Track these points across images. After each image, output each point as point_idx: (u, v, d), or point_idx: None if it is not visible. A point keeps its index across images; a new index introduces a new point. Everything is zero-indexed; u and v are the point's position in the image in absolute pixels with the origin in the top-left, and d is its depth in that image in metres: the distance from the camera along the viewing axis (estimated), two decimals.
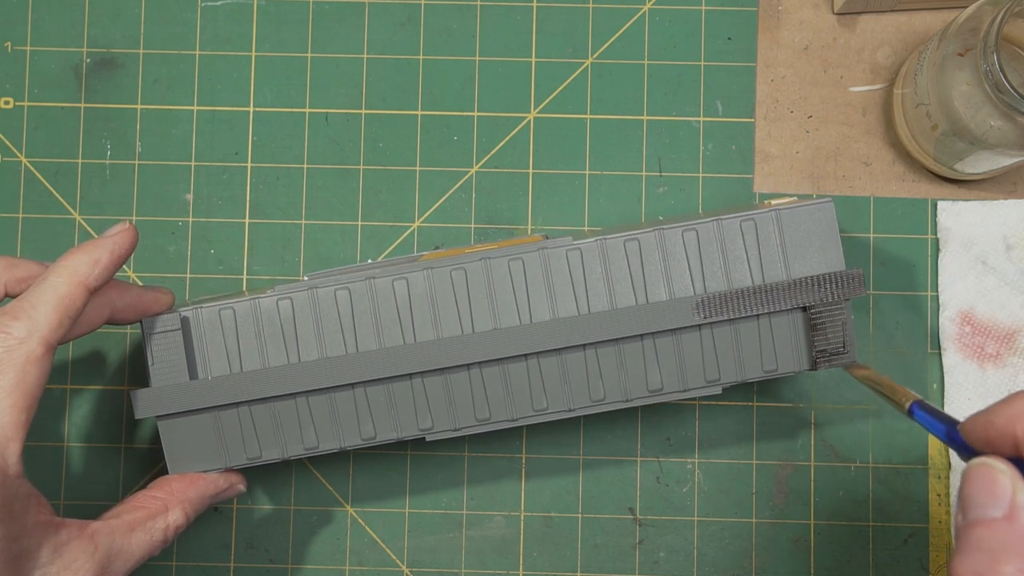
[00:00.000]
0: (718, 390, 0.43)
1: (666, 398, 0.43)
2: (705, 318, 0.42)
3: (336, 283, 0.43)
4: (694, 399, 0.50)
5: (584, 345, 0.43)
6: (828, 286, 0.42)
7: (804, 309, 0.43)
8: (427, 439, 0.43)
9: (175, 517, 0.42)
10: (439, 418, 0.43)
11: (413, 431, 0.43)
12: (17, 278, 0.41)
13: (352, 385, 0.43)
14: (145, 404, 0.42)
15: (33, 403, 0.38)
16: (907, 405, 0.38)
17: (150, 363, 0.42)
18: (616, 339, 0.43)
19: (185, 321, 0.43)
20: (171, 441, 0.43)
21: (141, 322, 0.42)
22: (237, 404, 0.43)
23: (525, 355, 0.43)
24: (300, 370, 0.42)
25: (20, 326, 0.37)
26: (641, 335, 0.43)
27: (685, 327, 0.43)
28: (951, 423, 0.35)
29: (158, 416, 0.43)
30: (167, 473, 0.44)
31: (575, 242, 0.43)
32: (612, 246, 0.43)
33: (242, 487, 0.45)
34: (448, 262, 0.43)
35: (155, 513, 0.42)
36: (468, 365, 0.43)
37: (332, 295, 0.43)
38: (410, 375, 0.43)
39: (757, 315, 0.43)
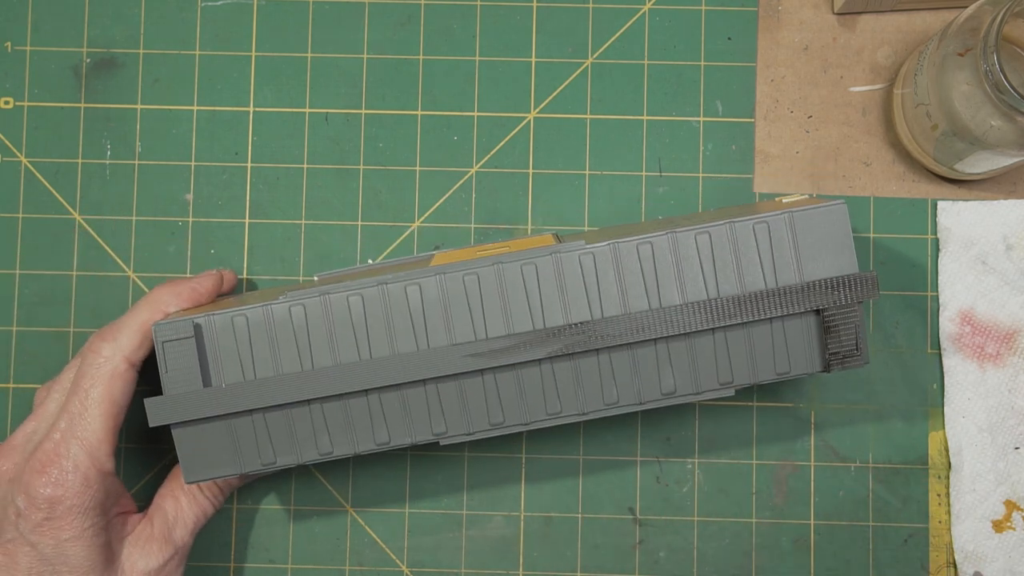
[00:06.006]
0: (731, 392, 0.43)
1: (679, 400, 0.43)
2: (718, 322, 0.42)
3: (348, 289, 0.43)
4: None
5: (598, 349, 0.43)
6: (842, 289, 0.42)
7: (817, 312, 0.43)
8: (441, 443, 0.43)
9: None
10: (453, 423, 0.43)
11: (427, 436, 0.43)
12: (184, 298, 0.47)
13: (366, 391, 0.43)
14: (159, 412, 0.42)
15: (120, 411, 0.44)
16: None
17: (163, 371, 0.42)
18: (630, 343, 0.43)
19: (198, 328, 0.42)
20: (186, 449, 0.43)
21: (153, 328, 0.42)
22: (251, 411, 0.42)
23: (539, 360, 0.43)
24: (314, 377, 0.42)
25: (108, 347, 0.44)
26: (655, 339, 0.43)
27: (698, 331, 0.43)
28: None
29: (172, 424, 0.42)
30: (170, 472, 0.44)
31: (588, 246, 0.43)
32: (625, 250, 0.43)
33: None
34: (460, 267, 0.43)
35: None
36: (482, 371, 0.43)
37: (345, 301, 0.43)
38: (423, 381, 0.43)
39: (770, 318, 0.43)
